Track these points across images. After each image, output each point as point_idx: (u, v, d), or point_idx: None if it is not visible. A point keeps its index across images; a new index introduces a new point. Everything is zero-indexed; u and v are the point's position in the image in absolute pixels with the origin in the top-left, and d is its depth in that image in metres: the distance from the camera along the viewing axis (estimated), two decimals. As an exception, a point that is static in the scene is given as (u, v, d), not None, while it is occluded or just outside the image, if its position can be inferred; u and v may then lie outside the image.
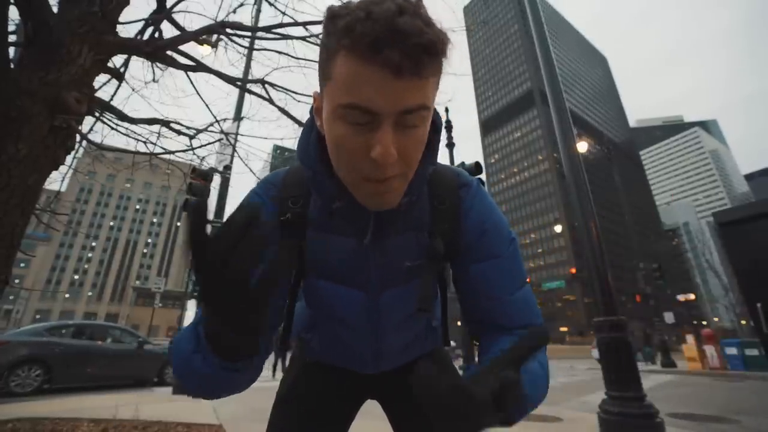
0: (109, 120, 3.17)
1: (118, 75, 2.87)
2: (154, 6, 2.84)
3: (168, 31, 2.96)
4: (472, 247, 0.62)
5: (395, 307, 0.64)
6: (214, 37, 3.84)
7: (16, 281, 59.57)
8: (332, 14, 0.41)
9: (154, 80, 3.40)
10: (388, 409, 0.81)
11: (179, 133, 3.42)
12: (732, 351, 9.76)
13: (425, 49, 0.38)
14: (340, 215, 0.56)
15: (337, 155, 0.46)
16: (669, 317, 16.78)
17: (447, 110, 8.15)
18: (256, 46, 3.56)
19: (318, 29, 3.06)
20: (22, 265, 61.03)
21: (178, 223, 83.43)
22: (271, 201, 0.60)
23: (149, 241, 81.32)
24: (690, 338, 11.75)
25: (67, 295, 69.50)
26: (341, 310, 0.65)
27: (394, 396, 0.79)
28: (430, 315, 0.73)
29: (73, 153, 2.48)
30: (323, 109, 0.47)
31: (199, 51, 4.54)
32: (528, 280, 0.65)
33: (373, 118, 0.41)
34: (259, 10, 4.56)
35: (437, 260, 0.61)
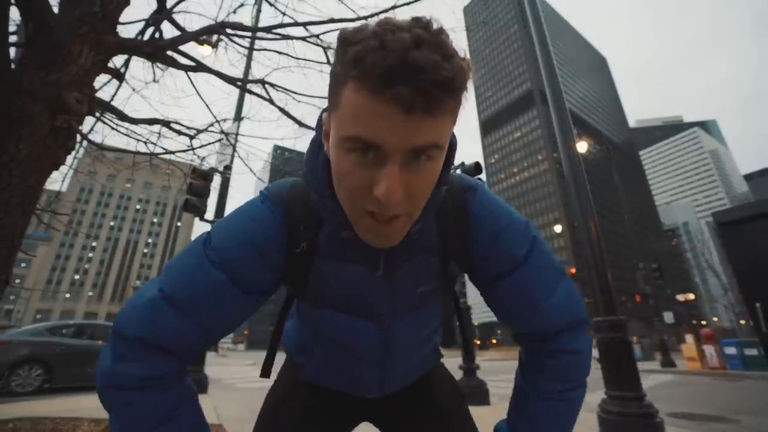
0: (110, 120, 3.18)
1: (119, 75, 2.87)
2: (154, 6, 2.84)
3: (168, 31, 2.97)
4: (488, 256, 0.57)
5: (408, 336, 0.61)
6: (215, 37, 3.86)
7: (17, 281, 59.54)
8: (344, 40, 0.38)
9: (154, 80, 3.40)
10: (385, 430, 0.78)
11: (179, 133, 3.42)
12: (731, 351, 9.76)
13: (441, 86, 0.35)
14: (350, 244, 0.52)
15: (340, 186, 0.43)
16: (668, 317, 16.80)
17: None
18: (256, 47, 3.56)
19: (318, 29, 3.06)
20: (23, 265, 61.03)
21: (179, 223, 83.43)
22: (281, 220, 0.54)
23: (150, 241, 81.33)
24: (689, 338, 11.76)
25: (67, 295, 69.50)
26: (348, 341, 0.60)
27: (393, 417, 0.76)
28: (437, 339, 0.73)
29: (73, 153, 2.48)
30: (330, 135, 0.43)
31: (200, 51, 4.55)
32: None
33: (379, 153, 0.38)
34: (259, 11, 4.57)
35: (450, 282, 0.59)
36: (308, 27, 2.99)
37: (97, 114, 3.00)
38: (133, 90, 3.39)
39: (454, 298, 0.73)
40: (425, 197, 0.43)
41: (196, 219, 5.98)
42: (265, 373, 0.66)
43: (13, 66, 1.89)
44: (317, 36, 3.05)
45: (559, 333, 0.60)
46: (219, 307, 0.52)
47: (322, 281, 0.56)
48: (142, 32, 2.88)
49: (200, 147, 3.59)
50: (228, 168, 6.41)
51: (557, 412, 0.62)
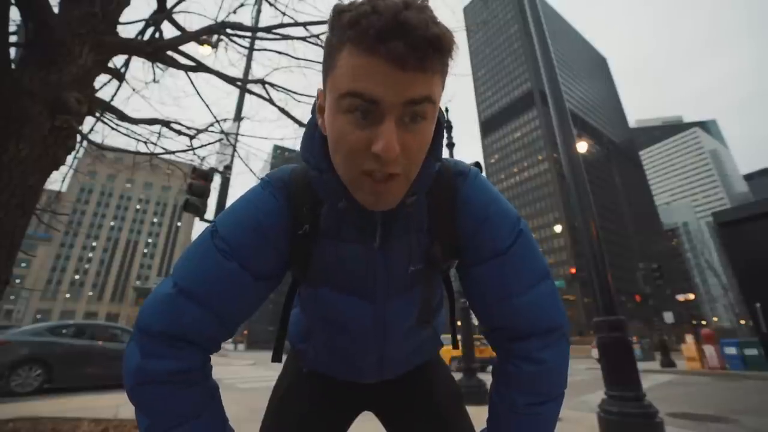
0: (110, 120, 3.18)
1: (119, 75, 2.87)
2: (154, 6, 2.84)
3: (168, 31, 2.98)
4: (472, 243, 0.57)
5: (401, 316, 0.62)
6: (215, 37, 3.86)
7: (17, 281, 59.53)
8: (338, 11, 0.41)
9: (154, 80, 3.41)
10: (386, 420, 0.79)
11: (179, 133, 3.43)
12: (731, 351, 9.75)
13: (430, 43, 0.38)
14: (347, 218, 0.54)
15: (337, 150, 0.44)
16: (668, 317, 16.83)
17: (447, 110, 8.16)
18: (256, 47, 3.57)
19: (318, 29, 3.07)
20: (23, 264, 61.00)
21: (179, 223, 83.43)
22: (284, 203, 0.56)
23: (149, 241, 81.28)
24: (689, 338, 11.75)
25: (67, 295, 69.47)
26: (346, 320, 0.62)
27: (392, 407, 0.77)
28: (434, 324, 0.72)
29: (73, 153, 2.49)
30: (326, 102, 0.45)
31: (200, 51, 4.55)
32: None
33: (376, 110, 0.40)
34: (259, 11, 4.58)
35: (437, 264, 0.58)
36: (308, 27, 2.99)
37: (97, 114, 3.00)
38: (133, 90, 3.39)
39: (450, 296, 0.73)
40: (420, 157, 0.45)
41: (196, 219, 5.97)
42: (277, 357, 0.68)
43: (13, 66, 1.89)
44: (317, 36, 3.05)
45: (530, 336, 0.58)
46: (233, 294, 0.53)
47: (322, 261, 0.57)
48: (142, 32, 2.89)
49: (200, 147, 3.60)
50: (228, 168, 6.40)
51: (525, 427, 0.60)
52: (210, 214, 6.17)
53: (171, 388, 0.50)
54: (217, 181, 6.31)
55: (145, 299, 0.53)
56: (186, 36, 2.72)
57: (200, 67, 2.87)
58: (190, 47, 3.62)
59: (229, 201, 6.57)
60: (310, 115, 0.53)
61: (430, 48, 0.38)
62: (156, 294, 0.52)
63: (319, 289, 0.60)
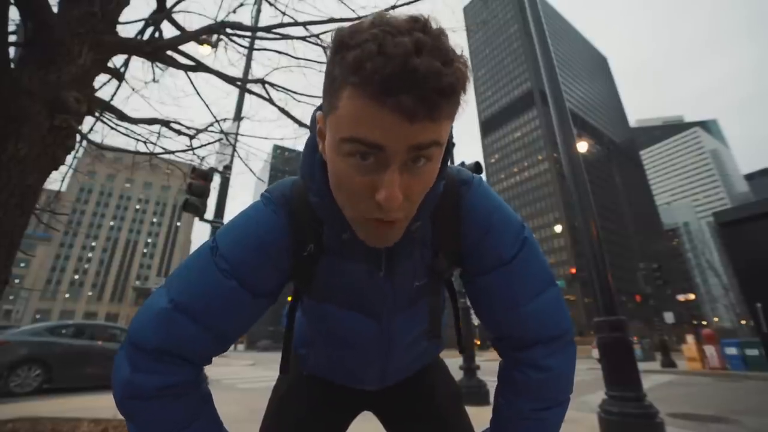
0: (109, 120, 3.18)
1: (118, 75, 2.87)
2: (154, 6, 2.84)
3: (168, 31, 2.97)
4: (476, 251, 0.57)
5: (405, 331, 0.62)
6: (214, 37, 3.85)
7: (17, 281, 59.55)
8: (339, 42, 0.36)
9: (154, 80, 3.40)
10: (386, 421, 0.80)
11: (179, 133, 3.43)
12: (732, 351, 9.74)
13: (443, 93, 0.34)
14: (351, 245, 0.52)
15: (339, 191, 0.43)
16: (669, 317, 16.84)
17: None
18: (256, 46, 3.56)
19: (318, 29, 3.07)
20: (22, 264, 60.97)
21: (178, 223, 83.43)
22: (286, 221, 0.54)
23: (149, 241, 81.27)
24: (690, 338, 11.74)
25: (67, 295, 69.44)
26: (348, 335, 0.62)
27: (392, 409, 0.78)
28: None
29: (73, 153, 2.49)
30: (327, 137, 0.42)
31: (199, 51, 4.55)
32: None
33: (379, 155, 0.37)
34: (259, 10, 4.57)
35: (442, 275, 0.58)
36: (308, 27, 2.98)
37: (97, 114, 3.00)
38: (133, 90, 3.39)
39: (453, 299, 0.73)
40: (422, 196, 0.44)
41: (196, 219, 5.98)
42: (284, 368, 0.66)
43: (12, 65, 1.89)
44: (317, 36, 3.04)
45: (535, 344, 0.58)
46: (231, 312, 0.52)
47: (325, 278, 0.57)
48: (141, 32, 2.88)
49: (200, 147, 3.60)
50: (228, 168, 6.41)
51: (531, 431, 0.60)
52: (209, 214, 6.17)
53: (161, 402, 0.49)
54: (216, 181, 6.33)
55: (138, 311, 0.52)
56: (186, 36, 2.72)
57: (200, 66, 2.87)
58: (190, 47, 3.61)
59: (229, 201, 6.58)
60: (309, 123, 0.51)
61: (442, 98, 0.35)
62: (150, 308, 0.51)
63: (322, 304, 0.60)
